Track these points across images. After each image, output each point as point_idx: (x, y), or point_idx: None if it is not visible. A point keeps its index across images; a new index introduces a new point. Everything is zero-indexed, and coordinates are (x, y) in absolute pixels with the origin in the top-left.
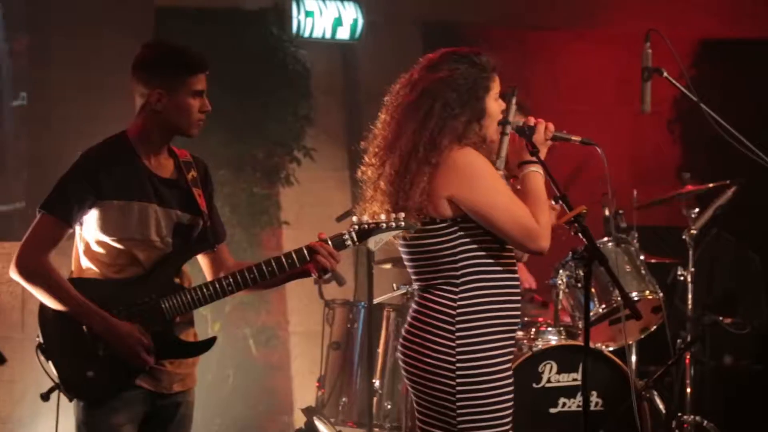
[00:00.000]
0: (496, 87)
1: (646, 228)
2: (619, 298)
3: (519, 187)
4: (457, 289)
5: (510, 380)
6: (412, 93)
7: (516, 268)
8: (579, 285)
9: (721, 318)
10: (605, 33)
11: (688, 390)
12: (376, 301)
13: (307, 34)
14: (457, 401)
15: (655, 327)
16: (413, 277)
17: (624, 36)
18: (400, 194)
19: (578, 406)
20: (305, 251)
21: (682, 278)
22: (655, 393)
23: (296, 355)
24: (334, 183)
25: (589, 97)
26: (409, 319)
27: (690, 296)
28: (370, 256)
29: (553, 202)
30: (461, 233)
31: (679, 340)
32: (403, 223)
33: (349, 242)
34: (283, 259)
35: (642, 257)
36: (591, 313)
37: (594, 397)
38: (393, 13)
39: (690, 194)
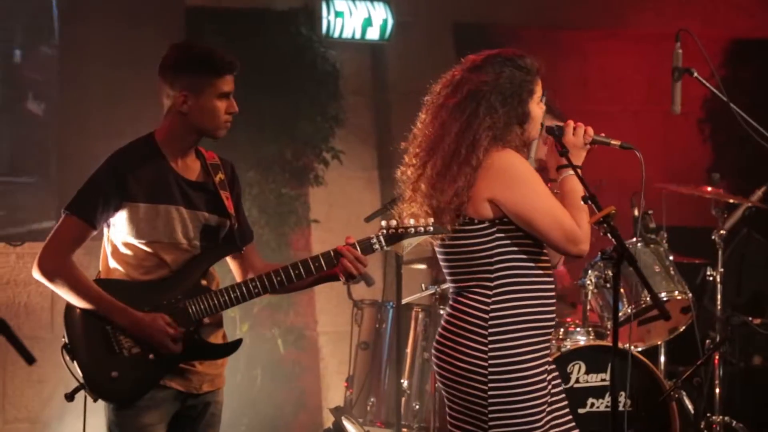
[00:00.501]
0: (539, 90)
1: (676, 228)
2: (648, 299)
3: (557, 191)
4: (491, 293)
5: (543, 384)
6: (456, 94)
7: (551, 271)
8: (608, 285)
9: (750, 318)
10: (636, 33)
11: (717, 390)
12: (404, 301)
13: (336, 35)
14: (489, 405)
15: (684, 327)
16: (448, 278)
17: (655, 36)
18: (439, 195)
19: (607, 406)
20: (332, 255)
21: (711, 278)
22: (684, 393)
23: (324, 355)
24: (363, 183)
25: (620, 97)
26: (442, 321)
27: (719, 297)
28: (398, 256)
29: (581, 202)
30: (499, 235)
31: (708, 341)
32: (432, 228)
33: (377, 246)
34: (311, 263)
35: (671, 257)
36: (620, 314)
37: (623, 398)
38: (423, 13)
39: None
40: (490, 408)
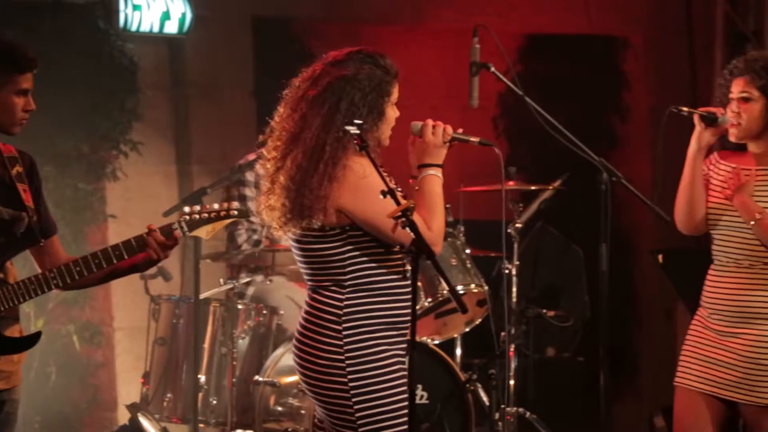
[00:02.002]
0: (395, 93)
1: (472, 222)
2: (445, 292)
3: (417, 187)
4: (344, 290)
5: (402, 376)
6: (316, 86)
7: (404, 269)
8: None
9: (544, 311)
10: (435, 27)
11: (512, 382)
12: (202, 296)
13: (134, 28)
14: (353, 397)
15: (480, 320)
16: (305, 278)
17: (453, 31)
18: (300, 190)
19: None
20: (134, 243)
21: (506, 271)
22: (479, 386)
23: (120, 351)
24: (161, 178)
25: (418, 92)
26: (300, 320)
27: (514, 289)
28: (197, 251)
29: (381, 196)
30: (350, 240)
31: (503, 333)
32: (236, 212)
33: (179, 231)
34: (111, 252)
35: (468, 251)
36: (417, 307)
37: (419, 391)
38: (222, 7)
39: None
40: (354, 400)
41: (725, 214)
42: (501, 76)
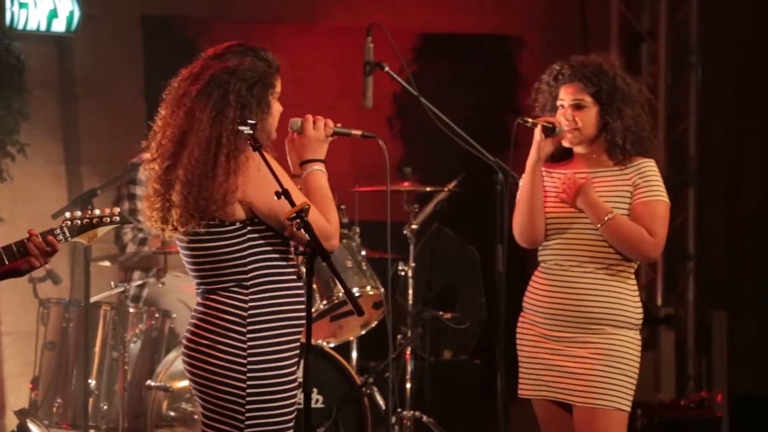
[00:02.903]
0: (278, 86)
1: (368, 223)
2: (341, 294)
3: (300, 187)
4: (247, 291)
5: (296, 382)
6: (198, 81)
7: (300, 271)
8: (300, 281)
9: (441, 313)
10: (329, 26)
11: (408, 385)
12: (93, 299)
13: (21, 26)
14: (247, 404)
15: (376, 323)
16: (197, 281)
17: (347, 30)
18: (203, 184)
19: (299, 403)
20: (14, 247)
21: (402, 273)
22: (376, 389)
23: (8, 356)
24: (49, 179)
25: (312, 92)
26: (194, 321)
27: (411, 291)
28: (87, 253)
29: (275, 197)
30: (251, 236)
31: (399, 336)
32: (118, 218)
33: (60, 238)
34: None
35: (363, 252)
36: (312, 309)
37: (315, 394)
38: (111, 5)
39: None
40: (247, 407)
41: (566, 219)
42: (395, 76)
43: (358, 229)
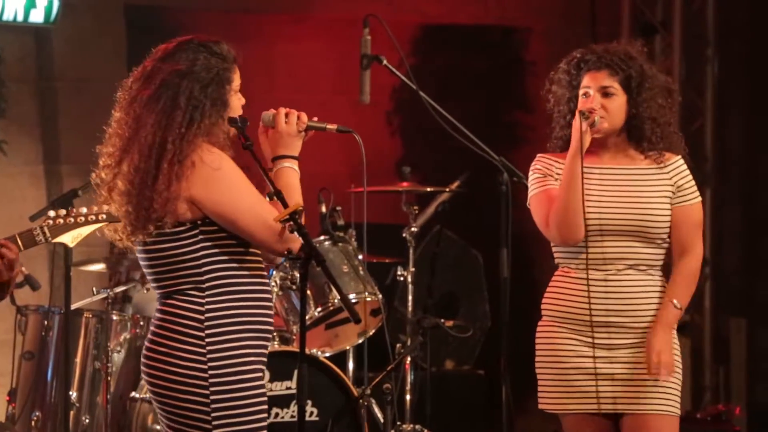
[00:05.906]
0: (237, 79)
1: (366, 225)
2: (336, 300)
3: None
4: (203, 293)
5: (264, 387)
6: (149, 85)
7: (265, 272)
8: (294, 287)
9: (442, 320)
10: (324, 17)
11: (408, 397)
12: (73, 306)
13: None
14: (212, 411)
15: (374, 331)
16: (153, 285)
17: (343, 21)
18: (143, 193)
19: (292, 416)
20: None
21: (402, 278)
22: (373, 401)
23: None
24: (27, 178)
25: (307, 86)
26: (152, 328)
27: (410, 298)
28: (67, 258)
29: (267, 198)
30: (203, 237)
31: (398, 345)
32: (104, 216)
33: (40, 238)
34: None
35: (360, 256)
36: (306, 317)
37: (309, 407)
38: None
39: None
40: (213, 414)
41: (599, 220)
42: (394, 70)
43: (354, 232)
